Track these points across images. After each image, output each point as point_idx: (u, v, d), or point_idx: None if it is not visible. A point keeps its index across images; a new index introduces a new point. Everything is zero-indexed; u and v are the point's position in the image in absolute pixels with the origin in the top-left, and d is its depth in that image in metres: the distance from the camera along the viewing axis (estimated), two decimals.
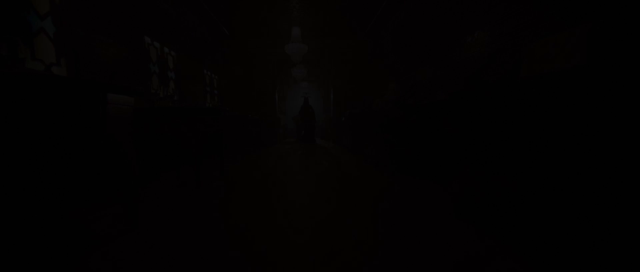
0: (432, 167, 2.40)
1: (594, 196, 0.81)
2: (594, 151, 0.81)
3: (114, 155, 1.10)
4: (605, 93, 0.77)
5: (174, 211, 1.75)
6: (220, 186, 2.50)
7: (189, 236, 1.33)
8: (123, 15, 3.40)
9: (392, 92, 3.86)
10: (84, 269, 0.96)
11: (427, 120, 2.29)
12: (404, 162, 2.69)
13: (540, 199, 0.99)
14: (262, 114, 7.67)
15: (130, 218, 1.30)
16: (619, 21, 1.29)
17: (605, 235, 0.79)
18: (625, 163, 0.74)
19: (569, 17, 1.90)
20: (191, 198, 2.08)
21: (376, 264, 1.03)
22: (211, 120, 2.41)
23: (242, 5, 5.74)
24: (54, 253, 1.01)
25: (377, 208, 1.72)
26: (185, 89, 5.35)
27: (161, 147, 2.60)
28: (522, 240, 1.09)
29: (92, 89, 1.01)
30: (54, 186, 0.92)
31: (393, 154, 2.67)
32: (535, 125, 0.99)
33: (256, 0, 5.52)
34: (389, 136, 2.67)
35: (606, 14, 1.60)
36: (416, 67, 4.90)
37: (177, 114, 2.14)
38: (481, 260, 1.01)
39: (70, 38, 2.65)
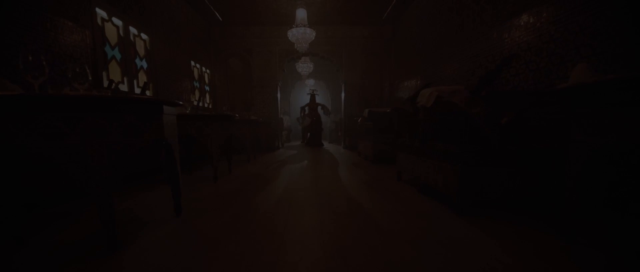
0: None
1: None
2: None
3: None
4: None
5: None
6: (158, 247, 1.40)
7: None
8: None
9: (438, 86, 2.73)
10: None
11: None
12: (498, 194, 1.54)
13: None
14: (262, 115, 6.58)
15: None
16: None
17: None
18: None
19: None
20: None
21: None
22: (141, 122, 1.30)
23: None
24: None
25: None
26: (165, 81, 4.29)
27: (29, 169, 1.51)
28: None
29: None
30: None
31: (466, 178, 1.53)
32: None
33: None
34: (456, 149, 1.53)
35: None
36: (447, 57, 3.75)
37: (58, 109, 1.05)
38: None
39: None
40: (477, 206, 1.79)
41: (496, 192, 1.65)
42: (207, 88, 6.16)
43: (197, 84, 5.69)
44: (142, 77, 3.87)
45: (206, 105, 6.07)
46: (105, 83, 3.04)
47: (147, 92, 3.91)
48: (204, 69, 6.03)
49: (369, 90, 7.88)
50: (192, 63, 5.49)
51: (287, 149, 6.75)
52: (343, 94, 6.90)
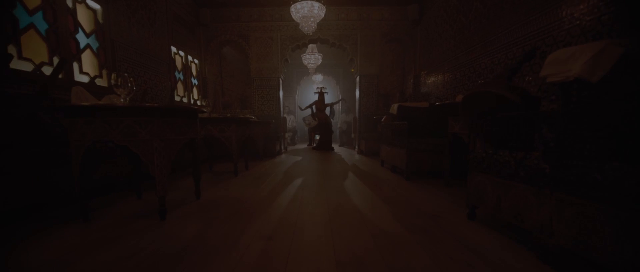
0: None
1: None
2: None
3: None
4: None
5: None
6: None
7: None
8: None
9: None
10: None
11: None
12: None
13: None
14: (261, 113, 5.52)
15: None
16: None
17: None
18: None
19: None
20: None
21: None
22: None
23: None
24: None
25: None
26: (129, 68, 3.26)
27: None
28: None
29: None
30: None
31: None
32: None
33: None
34: None
35: None
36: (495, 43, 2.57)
37: None
38: None
39: None
40: None
41: None
42: (194, 81, 5.13)
43: (180, 76, 4.67)
44: (90, 60, 2.84)
45: (193, 101, 5.05)
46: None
47: (97, 81, 2.88)
48: (190, 58, 5.01)
49: (388, 85, 6.74)
50: (174, 50, 4.47)
51: (290, 155, 5.66)
52: (358, 90, 5.77)
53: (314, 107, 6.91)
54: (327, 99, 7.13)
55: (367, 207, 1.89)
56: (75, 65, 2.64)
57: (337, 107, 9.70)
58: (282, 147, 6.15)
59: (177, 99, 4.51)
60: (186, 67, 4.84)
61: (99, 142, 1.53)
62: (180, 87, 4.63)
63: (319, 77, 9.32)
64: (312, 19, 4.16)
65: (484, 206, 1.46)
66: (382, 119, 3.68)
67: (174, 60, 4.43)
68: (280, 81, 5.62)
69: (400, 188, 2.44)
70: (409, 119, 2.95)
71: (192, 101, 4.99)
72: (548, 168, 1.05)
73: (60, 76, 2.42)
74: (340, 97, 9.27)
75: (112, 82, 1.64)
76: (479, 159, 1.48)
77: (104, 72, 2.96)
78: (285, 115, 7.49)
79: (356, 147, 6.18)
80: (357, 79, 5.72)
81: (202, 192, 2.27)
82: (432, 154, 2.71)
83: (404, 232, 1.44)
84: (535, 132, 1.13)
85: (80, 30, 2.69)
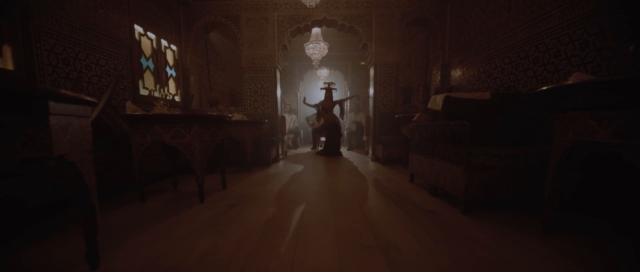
0: None
1: None
2: None
3: None
4: None
5: None
6: None
7: None
8: None
9: None
10: None
11: None
12: None
13: None
14: (254, 111, 4.52)
15: None
16: None
17: None
18: None
19: None
20: None
21: None
22: None
23: None
24: None
25: None
26: (60, 48, 2.31)
27: None
28: None
29: None
30: None
31: None
32: None
33: None
34: None
35: None
36: None
37: None
38: None
39: None
40: None
41: None
42: (171, 72, 4.16)
43: (149, 65, 3.70)
44: None
45: (168, 96, 4.06)
46: None
47: None
48: (165, 43, 4.04)
49: (407, 78, 5.72)
50: (140, 30, 3.50)
51: (289, 162, 4.64)
52: (372, 84, 4.73)
53: (319, 107, 5.86)
54: (336, 97, 6.06)
55: None
56: None
57: (346, 106, 8.63)
58: (280, 153, 5.14)
59: (144, 93, 3.54)
60: (159, 54, 3.87)
61: None
62: (149, 78, 3.66)
63: (324, 72, 8.30)
64: None
65: None
66: (415, 118, 2.64)
67: (139, 42, 3.46)
68: (278, 72, 4.61)
69: (466, 236, 1.40)
70: (463, 117, 1.90)
71: (166, 95, 4.01)
72: None
73: None
74: (348, 94, 8.25)
75: None
76: None
77: (7, 48, 1.99)
78: (284, 115, 6.51)
79: (370, 152, 5.13)
80: (372, 70, 4.68)
81: (118, 248, 1.26)
82: (508, 174, 1.66)
83: None
84: None
85: None
